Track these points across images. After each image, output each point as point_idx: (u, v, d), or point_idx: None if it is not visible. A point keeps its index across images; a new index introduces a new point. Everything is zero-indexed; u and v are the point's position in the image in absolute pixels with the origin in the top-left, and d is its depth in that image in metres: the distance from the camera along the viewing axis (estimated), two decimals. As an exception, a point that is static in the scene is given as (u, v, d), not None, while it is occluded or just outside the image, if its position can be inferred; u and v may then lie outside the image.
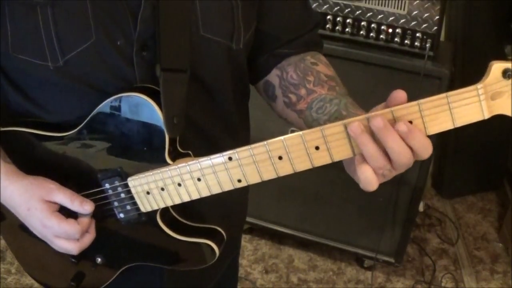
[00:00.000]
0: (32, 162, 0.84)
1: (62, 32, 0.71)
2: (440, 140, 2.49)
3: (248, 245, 2.36)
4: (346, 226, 2.12)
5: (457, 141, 2.45)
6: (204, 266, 0.86)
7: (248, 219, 2.22)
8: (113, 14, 0.73)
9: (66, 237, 0.79)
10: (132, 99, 0.75)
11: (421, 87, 1.69)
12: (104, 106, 0.76)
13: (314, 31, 0.93)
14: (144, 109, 0.75)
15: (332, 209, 2.09)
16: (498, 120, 0.67)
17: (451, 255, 2.37)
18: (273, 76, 0.90)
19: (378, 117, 0.62)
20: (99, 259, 0.88)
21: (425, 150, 0.64)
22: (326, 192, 2.06)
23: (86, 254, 0.85)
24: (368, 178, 0.65)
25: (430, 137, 0.65)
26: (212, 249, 0.84)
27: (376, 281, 2.22)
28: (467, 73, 2.21)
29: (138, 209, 0.82)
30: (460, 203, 2.67)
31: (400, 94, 0.64)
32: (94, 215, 0.82)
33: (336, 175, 1.95)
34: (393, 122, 0.63)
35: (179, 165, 0.75)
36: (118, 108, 0.76)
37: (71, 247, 0.80)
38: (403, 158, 0.64)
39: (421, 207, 2.40)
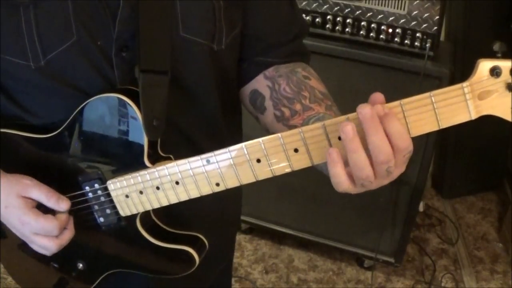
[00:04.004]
0: (15, 164, 0.83)
1: (43, 32, 0.71)
2: (440, 139, 2.49)
3: (248, 245, 2.36)
4: (346, 226, 2.12)
5: (457, 141, 2.44)
6: (183, 274, 0.85)
7: (248, 219, 2.22)
8: (93, 14, 0.72)
9: (45, 233, 0.78)
10: (112, 100, 0.74)
11: (421, 87, 1.69)
12: (84, 107, 0.76)
13: (299, 40, 0.90)
14: (124, 110, 0.74)
15: (332, 209, 2.08)
16: (498, 119, 0.64)
17: (451, 255, 2.36)
18: (263, 87, 0.86)
19: (367, 107, 0.59)
20: (80, 265, 0.87)
21: (402, 138, 0.60)
22: (326, 192, 2.05)
23: (67, 260, 0.84)
24: (341, 180, 0.64)
25: (429, 135, 0.63)
26: (192, 256, 0.83)
27: (376, 281, 2.22)
28: (467, 73, 2.20)
29: (117, 213, 0.81)
30: (460, 203, 2.66)
31: (377, 96, 0.62)
32: (75, 219, 0.81)
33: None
34: None
35: (158, 168, 0.74)
36: (98, 110, 0.75)
37: (50, 244, 0.78)
38: (383, 155, 0.61)
39: (421, 207, 2.40)
